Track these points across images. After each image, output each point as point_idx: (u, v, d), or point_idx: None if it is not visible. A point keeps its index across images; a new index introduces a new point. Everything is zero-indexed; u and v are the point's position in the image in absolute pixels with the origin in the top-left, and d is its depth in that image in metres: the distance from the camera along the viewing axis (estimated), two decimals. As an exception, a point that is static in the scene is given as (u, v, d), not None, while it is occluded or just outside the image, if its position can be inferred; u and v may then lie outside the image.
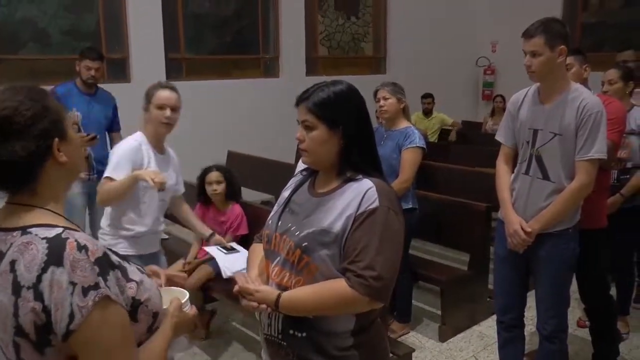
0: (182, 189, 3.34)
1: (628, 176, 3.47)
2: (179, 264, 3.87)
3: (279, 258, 1.67)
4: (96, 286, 1.12)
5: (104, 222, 3.03)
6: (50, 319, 1.11)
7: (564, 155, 2.60)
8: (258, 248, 1.83)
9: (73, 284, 1.10)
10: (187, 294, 1.58)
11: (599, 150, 2.54)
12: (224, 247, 3.59)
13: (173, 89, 3.05)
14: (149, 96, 2.98)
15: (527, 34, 2.59)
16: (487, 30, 9.60)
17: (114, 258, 1.21)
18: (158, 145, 3.07)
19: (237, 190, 3.96)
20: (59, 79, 6.09)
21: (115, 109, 4.64)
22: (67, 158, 1.24)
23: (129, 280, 1.22)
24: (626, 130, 3.46)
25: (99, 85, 4.51)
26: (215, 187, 3.83)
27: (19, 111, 1.18)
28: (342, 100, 1.63)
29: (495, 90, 9.54)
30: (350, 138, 1.63)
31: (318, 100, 1.62)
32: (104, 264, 1.15)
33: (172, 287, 1.65)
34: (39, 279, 1.11)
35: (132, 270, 1.26)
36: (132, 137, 3.05)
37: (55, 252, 1.12)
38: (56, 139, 1.22)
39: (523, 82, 2.81)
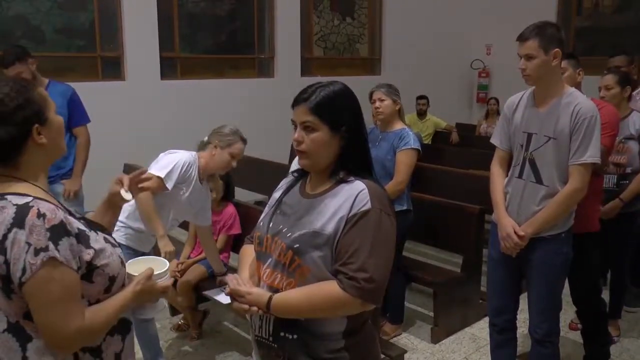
0: (206, 223, 3.47)
1: (627, 181, 3.48)
2: (172, 263, 3.86)
3: (270, 260, 1.66)
4: (46, 249, 1.35)
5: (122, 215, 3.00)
6: (9, 271, 1.36)
7: (558, 159, 2.60)
8: (249, 249, 1.82)
9: (28, 244, 1.34)
10: (167, 265, 1.72)
11: (592, 154, 2.55)
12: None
13: (245, 142, 3.33)
14: (227, 140, 3.23)
15: (522, 37, 2.60)
16: (482, 33, 9.63)
17: (74, 227, 1.43)
18: (203, 175, 3.25)
19: (231, 190, 3.96)
20: (52, 76, 6.08)
21: (72, 101, 4.03)
22: (46, 140, 1.49)
23: (88, 247, 1.45)
24: (625, 135, 3.48)
25: (53, 80, 4.12)
26: (214, 195, 3.80)
27: (4, 102, 1.42)
28: (343, 101, 1.63)
29: (489, 93, 9.58)
30: (351, 140, 1.62)
31: (320, 101, 1.59)
32: (58, 231, 1.38)
33: (157, 257, 1.83)
34: (4, 237, 1.36)
35: (96, 239, 1.49)
36: (190, 153, 3.17)
37: (20, 217, 1.36)
38: (36, 125, 1.46)
39: (517, 85, 2.82)
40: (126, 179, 1.77)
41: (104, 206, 1.79)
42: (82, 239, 1.45)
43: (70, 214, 1.50)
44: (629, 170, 3.49)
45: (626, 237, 3.64)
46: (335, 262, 1.55)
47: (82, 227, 1.47)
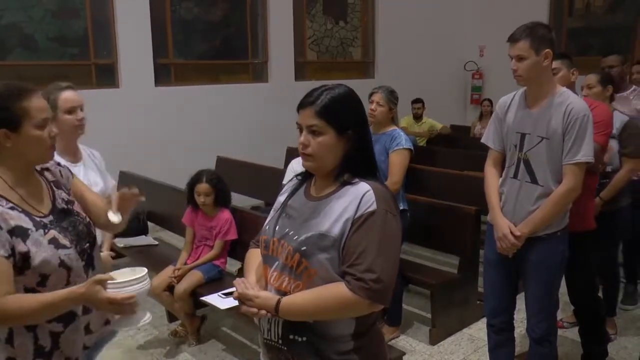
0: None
1: (608, 180, 3.50)
2: (169, 269, 3.86)
3: (277, 263, 1.67)
4: None
5: None
6: None
7: (552, 159, 2.62)
8: (255, 253, 1.82)
9: None
10: (142, 274, 1.74)
11: (586, 153, 2.56)
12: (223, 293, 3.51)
13: (71, 87, 2.78)
14: (52, 101, 2.60)
15: (513, 39, 2.61)
16: (475, 34, 9.67)
17: (10, 222, 1.66)
18: (69, 150, 2.80)
19: (226, 196, 3.95)
20: (45, 84, 6.08)
21: None
22: (11, 145, 1.72)
23: (24, 242, 1.66)
24: None
25: None
26: (204, 199, 3.82)
27: None
28: (349, 104, 1.64)
29: (483, 94, 9.61)
30: (355, 142, 1.63)
31: (327, 105, 1.59)
32: None
33: (136, 268, 1.81)
34: None
35: (36, 239, 1.70)
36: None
37: None
38: (4, 130, 1.70)
39: (511, 86, 2.83)
40: (115, 198, 1.86)
41: (106, 202, 1.94)
42: (18, 233, 1.67)
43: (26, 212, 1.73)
44: (609, 169, 3.51)
45: (612, 235, 3.66)
46: (343, 264, 1.56)
47: (26, 225, 1.70)
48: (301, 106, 1.63)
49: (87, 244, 1.88)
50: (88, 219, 1.94)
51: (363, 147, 1.66)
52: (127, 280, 1.68)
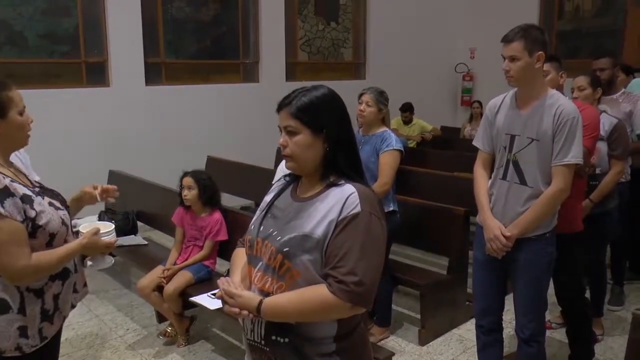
0: None
1: (597, 182, 3.53)
2: (158, 269, 3.85)
3: (261, 263, 1.66)
4: None
5: None
6: None
7: (541, 161, 2.63)
8: (241, 252, 1.82)
9: None
10: (113, 226, 2.20)
11: (575, 155, 2.58)
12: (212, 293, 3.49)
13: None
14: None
15: (507, 39, 2.63)
16: (466, 37, 9.72)
17: (18, 191, 1.90)
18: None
19: (213, 196, 3.91)
20: (35, 82, 6.04)
21: None
22: (1, 131, 1.95)
23: (32, 207, 1.92)
24: None
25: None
26: (186, 192, 3.83)
27: None
28: (324, 104, 1.64)
29: (473, 96, 9.65)
30: (334, 142, 1.63)
31: (301, 105, 1.61)
32: (3, 193, 1.86)
33: (105, 222, 2.28)
34: None
35: (40, 202, 1.97)
36: None
37: None
38: None
39: (501, 88, 2.85)
40: (100, 187, 2.33)
41: (72, 201, 2.29)
42: (26, 200, 1.92)
43: (26, 183, 2.02)
44: (598, 171, 3.54)
45: (600, 237, 3.69)
46: (325, 266, 1.56)
47: (29, 193, 1.95)
48: (279, 108, 1.66)
49: (67, 211, 2.18)
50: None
51: (344, 147, 1.66)
52: (109, 230, 2.17)
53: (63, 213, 2.07)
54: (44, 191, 2.09)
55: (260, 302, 1.58)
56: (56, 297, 2.07)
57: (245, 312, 1.60)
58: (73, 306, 2.22)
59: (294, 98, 1.63)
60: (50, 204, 2.03)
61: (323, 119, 1.62)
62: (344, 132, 1.66)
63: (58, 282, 2.07)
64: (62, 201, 2.16)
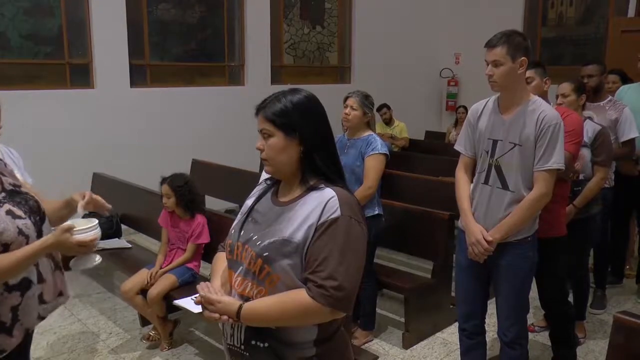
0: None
1: (580, 188, 3.57)
2: (143, 272, 3.82)
3: (241, 268, 1.66)
4: None
5: None
6: None
7: (523, 166, 2.66)
8: (222, 257, 1.82)
9: None
10: (95, 222, 2.05)
11: (557, 161, 2.61)
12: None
13: None
14: None
15: (490, 44, 2.65)
16: (451, 42, 9.79)
17: None
18: None
19: (192, 202, 3.87)
20: (18, 83, 5.97)
21: None
22: None
23: None
24: None
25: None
26: (165, 199, 3.82)
27: None
28: (298, 107, 1.63)
29: (458, 101, 9.73)
30: (310, 145, 1.63)
31: (274, 108, 1.62)
32: None
33: (90, 219, 2.12)
34: None
35: None
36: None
37: None
38: None
39: (486, 93, 2.87)
40: (88, 195, 2.14)
41: (63, 203, 2.17)
42: None
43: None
44: (581, 177, 3.58)
45: (584, 241, 3.73)
46: (305, 270, 1.55)
47: None
48: (257, 112, 1.67)
49: (38, 218, 2.03)
50: (36, 198, 2.08)
51: (322, 150, 1.65)
52: (88, 227, 2.00)
53: (23, 222, 1.92)
54: (10, 197, 1.97)
55: (240, 307, 1.57)
56: (14, 309, 1.92)
57: (225, 317, 1.59)
58: (42, 317, 2.06)
59: (269, 102, 1.65)
60: (9, 212, 1.90)
61: (296, 121, 1.62)
62: (321, 135, 1.66)
63: (16, 294, 1.91)
64: (32, 209, 2.01)
